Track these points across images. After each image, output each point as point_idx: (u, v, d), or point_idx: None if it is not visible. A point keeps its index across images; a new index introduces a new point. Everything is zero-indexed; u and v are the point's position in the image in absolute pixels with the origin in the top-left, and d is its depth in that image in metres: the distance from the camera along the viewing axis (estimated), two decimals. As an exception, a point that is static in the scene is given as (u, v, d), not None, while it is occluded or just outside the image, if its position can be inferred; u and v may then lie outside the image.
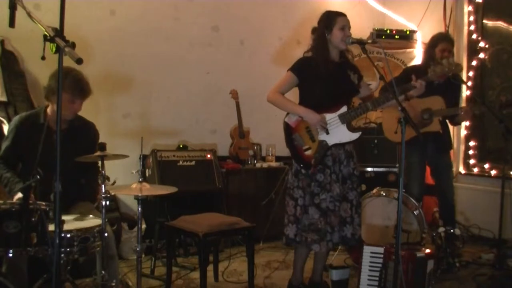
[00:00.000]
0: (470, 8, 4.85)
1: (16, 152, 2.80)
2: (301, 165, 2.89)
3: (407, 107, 3.69)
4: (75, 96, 2.75)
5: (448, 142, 3.97)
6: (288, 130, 2.94)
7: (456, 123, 4.03)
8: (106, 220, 2.47)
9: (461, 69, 3.29)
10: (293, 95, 3.00)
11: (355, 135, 2.90)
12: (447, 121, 3.89)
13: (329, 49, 2.89)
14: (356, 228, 2.94)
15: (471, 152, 4.86)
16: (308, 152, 2.89)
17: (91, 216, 2.65)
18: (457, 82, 3.81)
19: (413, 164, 3.82)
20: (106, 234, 2.46)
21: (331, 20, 2.87)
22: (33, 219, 2.11)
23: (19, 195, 2.47)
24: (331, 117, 2.88)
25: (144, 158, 3.93)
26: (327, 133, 2.87)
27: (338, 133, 2.87)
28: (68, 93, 2.71)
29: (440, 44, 3.74)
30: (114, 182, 2.62)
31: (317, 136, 2.89)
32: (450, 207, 3.91)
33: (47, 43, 1.74)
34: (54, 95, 2.70)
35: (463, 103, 4.86)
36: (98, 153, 2.54)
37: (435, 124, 3.71)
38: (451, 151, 4.19)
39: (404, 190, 2.57)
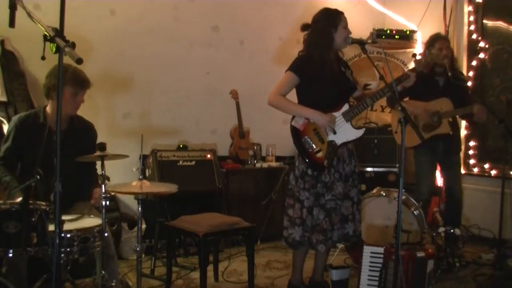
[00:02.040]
0: (470, 8, 4.85)
1: (16, 152, 2.79)
2: (314, 168, 2.85)
3: (417, 110, 3.71)
4: (77, 88, 2.78)
5: (458, 143, 3.97)
6: (297, 134, 2.89)
7: (474, 122, 3.96)
8: (106, 220, 2.47)
9: (442, 58, 3.31)
10: (291, 95, 2.99)
11: (360, 132, 2.89)
12: (464, 121, 3.86)
13: (332, 47, 2.87)
14: (357, 224, 2.96)
15: (471, 152, 4.85)
16: (319, 154, 2.86)
17: (91, 216, 2.65)
18: (457, 82, 3.80)
19: (423, 164, 3.82)
20: (106, 234, 2.46)
21: (336, 18, 2.85)
22: (33, 219, 2.11)
23: (19, 200, 2.47)
24: (336, 116, 2.87)
25: (144, 158, 3.93)
26: (335, 133, 2.86)
27: (344, 131, 2.86)
28: (71, 86, 2.74)
29: (437, 43, 3.75)
30: (108, 178, 2.62)
31: (326, 137, 2.87)
32: (457, 207, 3.91)
33: (47, 43, 1.74)
34: (56, 90, 2.71)
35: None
36: (98, 153, 2.53)
37: (444, 126, 3.71)
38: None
39: (404, 190, 2.57)
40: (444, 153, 3.83)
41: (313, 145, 2.87)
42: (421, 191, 3.79)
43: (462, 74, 4.05)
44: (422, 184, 3.84)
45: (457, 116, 3.90)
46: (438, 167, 4.05)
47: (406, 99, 3.84)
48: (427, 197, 3.79)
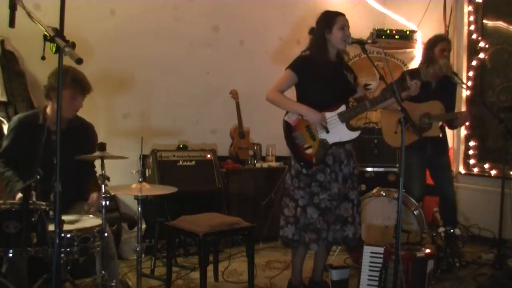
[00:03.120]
0: (470, 8, 4.85)
1: (15, 152, 2.80)
2: (302, 164, 2.87)
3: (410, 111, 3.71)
4: (76, 93, 2.77)
5: (446, 144, 3.98)
6: (288, 128, 2.92)
7: (454, 127, 4.03)
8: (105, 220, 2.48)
9: (451, 69, 3.29)
10: (292, 94, 2.99)
11: (355, 134, 2.90)
12: (444, 124, 3.89)
13: (328, 49, 2.89)
14: (357, 227, 2.95)
15: (471, 152, 4.86)
16: (309, 151, 2.88)
17: (91, 216, 2.66)
18: (457, 82, 3.81)
19: (413, 165, 3.82)
20: (106, 234, 2.46)
21: (331, 19, 2.87)
22: (33, 219, 2.11)
23: (20, 195, 2.48)
24: (331, 116, 2.88)
25: (144, 158, 3.93)
26: (327, 131, 2.86)
27: (338, 131, 2.87)
28: (70, 89, 2.73)
29: (439, 44, 3.74)
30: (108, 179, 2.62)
31: (318, 135, 2.88)
32: (452, 207, 3.91)
33: (47, 43, 1.74)
34: (55, 92, 2.71)
35: (463, 104, 4.87)
36: (98, 153, 2.53)
37: (435, 129, 3.71)
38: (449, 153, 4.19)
39: (404, 190, 2.57)
40: (433, 154, 3.83)
41: (304, 141, 2.89)
42: (412, 192, 3.79)
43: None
44: (413, 185, 3.83)
45: None
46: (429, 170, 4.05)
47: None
48: (418, 197, 3.79)
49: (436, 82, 3.76)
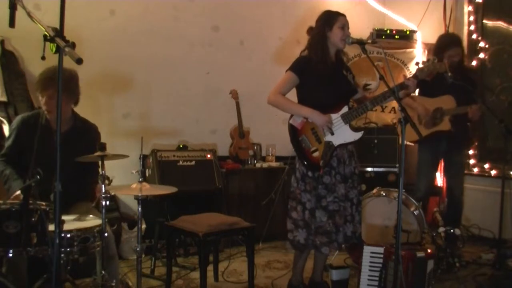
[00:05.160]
0: (470, 8, 4.85)
1: (17, 151, 2.84)
2: (309, 168, 2.86)
3: (421, 106, 3.73)
4: (42, 92, 2.76)
5: (462, 140, 3.94)
6: (294, 132, 2.90)
7: (470, 120, 3.98)
8: (106, 220, 2.47)
9: (445, 68, 3.27)
10: (293, 95, 2.99)
11: (358, 135, 2.89)
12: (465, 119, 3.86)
13: (328, 46, 2.88)
14: (356, 226, 2.95)
15: (471, 152, 4.85)
16: (316, 154, 2.86)
17: (91, 216, 2.65)
18: (456, 82, 3.81)
19: (424, 162, 3.82)
20: (106, 234, 2.46)
21: (332, 18, 2.87)
22: (33, 219, 2.11)
23: (18, 192, 2.48)
24: (335, 118, 2.87)
25: (144, 158, 3.93)
26: (332, 133, 2.86)
27: (342, 133, 2.86)
28: (38, 92, 2.77)
29: (452, 49, 3.71)
30: (111, 180, 2.62)
31: (323, 137, 2.88)
32: (457, 205, 3.92)
33: (47, 43, 1.74)
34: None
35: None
36: (98, 153, 2.53)
37: (445, 123, 3.72)
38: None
39: (404, 190, 2.57)
40: (446, 151, 3.83)
41: (310, 144, 2.88)
42: (419, 188, 3.81)
43: (473, 73, 4.02)
44: (420, 181, 3.85)
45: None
46: (442, 166, 4.06)
47: (415, 94, 3.82)
48: (423, 194, 3.80)
49: (453, 76, 3.74)
